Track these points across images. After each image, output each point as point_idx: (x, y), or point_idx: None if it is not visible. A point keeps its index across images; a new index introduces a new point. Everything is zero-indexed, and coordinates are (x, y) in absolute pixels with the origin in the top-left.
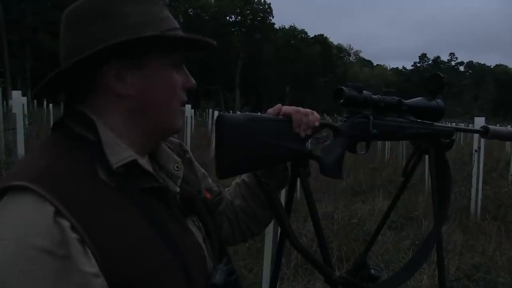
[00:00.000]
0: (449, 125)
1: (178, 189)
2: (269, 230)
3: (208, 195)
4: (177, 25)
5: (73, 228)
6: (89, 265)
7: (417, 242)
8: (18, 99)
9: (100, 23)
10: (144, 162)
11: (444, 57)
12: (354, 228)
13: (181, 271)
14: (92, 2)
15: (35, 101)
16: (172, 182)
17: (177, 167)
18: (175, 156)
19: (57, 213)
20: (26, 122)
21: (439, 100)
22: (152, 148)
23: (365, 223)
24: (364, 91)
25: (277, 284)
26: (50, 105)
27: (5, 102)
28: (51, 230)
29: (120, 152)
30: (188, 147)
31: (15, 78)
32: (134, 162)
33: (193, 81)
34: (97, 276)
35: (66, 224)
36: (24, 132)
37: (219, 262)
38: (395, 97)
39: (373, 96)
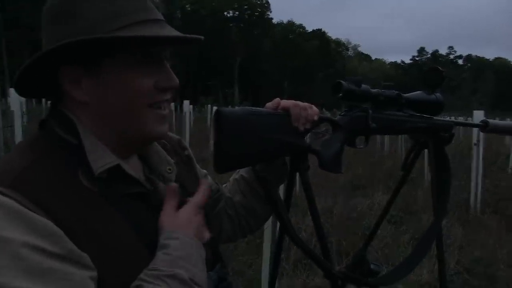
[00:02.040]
0: (448, 119)
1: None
2: (268, 226)
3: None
4: (152, 15)
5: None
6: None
7: (416, 236)
8: (16, 97)
9: (60, 22)
10: (128, 167)
11: (443, 51)
12: (353, 222)
13: None
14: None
15: (33, 99)
16: (164, 185)
17: (170, 169)
18: (168, 158)
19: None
20: (25, 120)
21: (438, 94)
22: (138, 152)
23: (364, 218)
24: (363, 85)
25: (277, 279)
26: (49, 102)
27: (3, 99)
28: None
29: (102, 156)
30: (187, 143)
31: (14, 76)
32: (117, 167)
33: (173, 80)
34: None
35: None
36: (22, 130)
37: (211, 268)
38: (394, 90)
39: (372, 89)
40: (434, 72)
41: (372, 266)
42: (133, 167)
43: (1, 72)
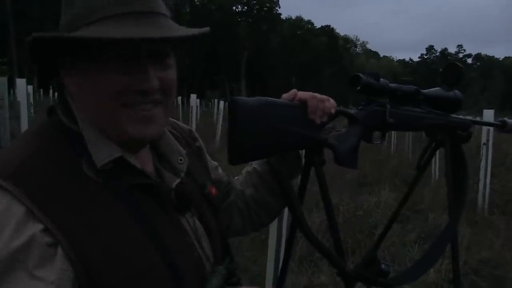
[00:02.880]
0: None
1: (174, 185)
2: (273, 222)
3: (213, 190)
4: (134, 7)
5: (45, 230)
6: (47, 272)
7: (423, 235)
8: (22, 87)
9: (62, 12)
10: (134, 158)
11: (452, 49)
12: (359, 220)
13: (169, 274)
14: None
15: (41, 90)
16: (173, 175)
17: (181, 159)
18: (180, 148)
19: (28, 214)
20: (32, 111)
21: (457, 91)
22: (141, 146)
23: (370, 216)
24: (381, 79)
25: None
26: (56, 93)
27: (12, 90)
28: (15, 234)
29: (103, 148)
30: None
31: (22, 68)
32: (122, 158)
33: (151, 82)
34: (52, 283)
35: (36, 227)
36: (28, 121)
37: (220, 262)
38: (412, 86)
39: (390, 84)
40: (453, 68)
41: (382, 266)
42: (142, 158)
43: (10, 63)
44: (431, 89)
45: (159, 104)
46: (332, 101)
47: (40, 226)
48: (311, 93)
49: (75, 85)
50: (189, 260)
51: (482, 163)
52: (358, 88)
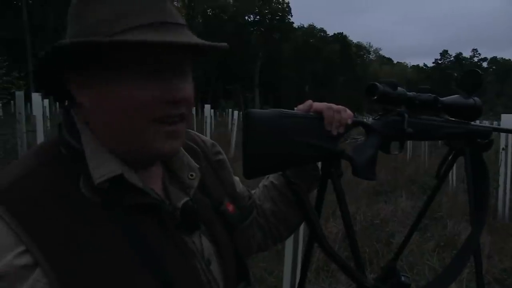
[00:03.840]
0: (472, 123)
1: (181, 203)
2: None
3: (230, 208)
4: (164, 17)
5: (24, 252)
6: None
7: (442, 244)
8: (38, 102)
9: (73, 23)
10: (135, 176)
11: (467, 54)
12: (376, 229)
13: None
14: None
15: (57, 103)
16: (181, 192)
17: (192, 175)
18: (192, 163)
19: (11, 235)
20: (48, 124)
21: (476, 98)
22: (153, 162)
23: (387, 224)
24: (398, 88)
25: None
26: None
27: (29, 104)
28: None
29: (104, 164)
30: None
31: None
32: (121, 176)
33: (178, 92)
34: None
35: (15, 250)
36: (44, 134)
37: (234, 285)
38: (430, 94)
39: (408, 92)
40: (472, 75)
41: (402, 279)
42: (150, 175)
43: (26, 76)
44: (449, 97)
45: (183, 119)
46: (348, 111)
47: (20, 249)
48: (326, 104)
49: (91, 99)
50: (193, 286)
51: (502, 169)
52: (375, 97)
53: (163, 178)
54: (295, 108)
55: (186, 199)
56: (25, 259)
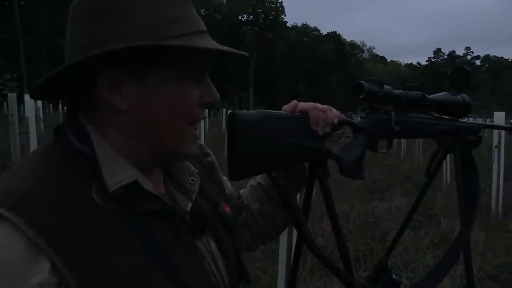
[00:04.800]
0: (465, 120)
1: (188, 208)
2: (284, 232)
3: (227, 209)
4: (200, 26)
5: (52, 268)
6: None
7: (436, 241)
8: (30, 103)
9: (101, 22)
10: (147, 182)
11: (460, 51)
12: (371, 227)
13: None
14: None
15: (50, 104)
16: (186, 197)
17: (193, 180)
18: (191, 168)
19: (33, 249)
20: (42, 126)
21: (464, 95)
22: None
23: (382, 222)
24: (385, 86)
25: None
26: (65, 108)
27: (22, 106)
28: (16, 268)
29: (118, 171)
30: None
31: (31, 83)
32: (135, 182)
33: (216, 94)
34: None
35: (44, 268)
36: (37, 136)
37: (236, 285)
38: (418, 92)
39: (394, 91)
40: (460, 72)
41: (394, 277)
42: (154, 179)
43: (19, 78)
44: (437, 94)
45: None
46: (334, 111)
47: (47, 266)
48: (312, 103)
49: (127, 101)
50: (205, 287)
51: (494, 166)
52: (361, 96)
53: (165, 183)
54: (282, 108)
55: (190, 203)
56: (54, 278)
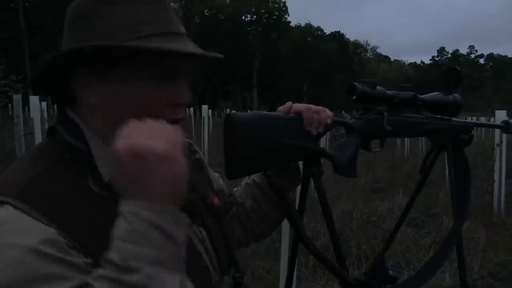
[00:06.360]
0: (469, 119)
1: None
2: (286, 230)
3: (216, 201)
4: (173, 28)
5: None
6: (77, 258)
7: (438, 240)
8: (36, 104)
9: (81, 28)
10: None
11: (464, 50)
12: (373, 226)
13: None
14: (84, 1)
15: (55, 105)
16: None
17: None
18: None
19: (41, 223)
20: (46, 126)
21: (456, 95)
22: None
23: (384, 221)
24: (378, 87)
25: (296, 284)
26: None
27: (26, 107)
28: (37, 231)
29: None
30: (205, 148)
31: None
32: None
33: (186, 95)
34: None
35: (51, 229)
36: (42, 137)
37: (225, 272)
38: (410, 92)
39: (387, 91)
40: (452, 72)
41: (390, 272)
42: None
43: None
44: (429, 94)
45: (181, 121)
46: (328, 111)
47: (53, 230)
48: (306, 104)
49: (105, 98)
50: (197, 270)
51: (496, 164)
52: (354, 97)
53: None
54: (277, 110)
55: None
56: (62, 239)
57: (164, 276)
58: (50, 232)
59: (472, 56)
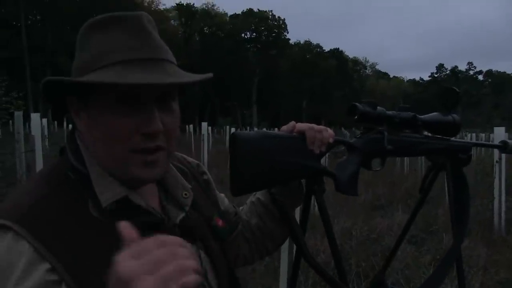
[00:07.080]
0: (469, 135)
1: (178, 219)
2: (285, 249)
3: (220, 223)
4: (143, 55)
5: (52, 270)
6: None
7: (438, 257)
8: (36, 122)
9: (76, 53)
10: (138, 197)
11: (462, 67)
12: (373, 243)
13: None
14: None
15: (55, 122)
16: (178, 210)
17: (186, 194)
18: (184, 183)
19: (36, 255)
20: (47, 143)
21: (455, 115)
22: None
23: (384, 238)
24: (378, 107)
25: None
26: (70, 125)
27: (27, 124)
28: (23, 274)
29: (109, 188)
30: (205, 165)
31: (37, 101)
32: (126, 198)
33: (156, 125)
34: None
35: (43, 267)
36: (43, 154)
37: None
38: (410, 112)
39: (387, 111)
40: (449, 93)
41: None
42: (147, 194)
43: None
44: (428, 115)
45: (162, 150)
46: (330, 131)
47: (47, 266)
48: (309, 124)
49: (84, 126)
50: None
51: (496, 181)
52: (355, 117)
53: (159, 196)
54: (280, 129)
55: (182, 215)
56: (53, 276)
57: None
58: (38, 275)
59: (471, 72)
